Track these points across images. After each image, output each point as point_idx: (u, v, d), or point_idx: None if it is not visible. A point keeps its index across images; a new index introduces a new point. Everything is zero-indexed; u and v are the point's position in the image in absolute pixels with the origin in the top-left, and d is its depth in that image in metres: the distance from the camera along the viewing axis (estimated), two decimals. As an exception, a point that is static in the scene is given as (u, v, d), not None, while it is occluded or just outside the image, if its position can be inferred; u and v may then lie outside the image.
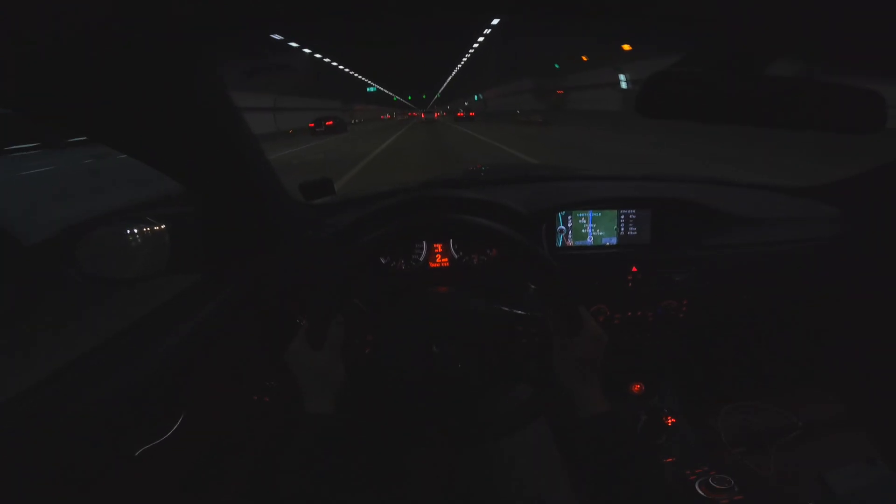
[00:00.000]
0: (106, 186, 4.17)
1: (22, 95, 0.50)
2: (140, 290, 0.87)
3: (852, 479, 1.06)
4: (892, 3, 0.41)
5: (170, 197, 0.82)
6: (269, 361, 0.98)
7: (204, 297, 0.87)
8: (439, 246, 1.10)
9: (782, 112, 0.64)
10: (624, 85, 19.10)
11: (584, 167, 1.73)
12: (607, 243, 1.16)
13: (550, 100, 30.07)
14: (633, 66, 17.87)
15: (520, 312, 0.86)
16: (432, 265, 1.10)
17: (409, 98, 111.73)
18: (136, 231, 0.85)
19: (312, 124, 23.88)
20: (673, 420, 1.07)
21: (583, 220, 1.15)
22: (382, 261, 1.08)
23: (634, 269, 1.11)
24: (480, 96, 61.00)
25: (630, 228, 1.16)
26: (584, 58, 21.54)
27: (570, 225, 1.15)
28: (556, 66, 26.17)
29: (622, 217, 1.16)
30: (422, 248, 1.10)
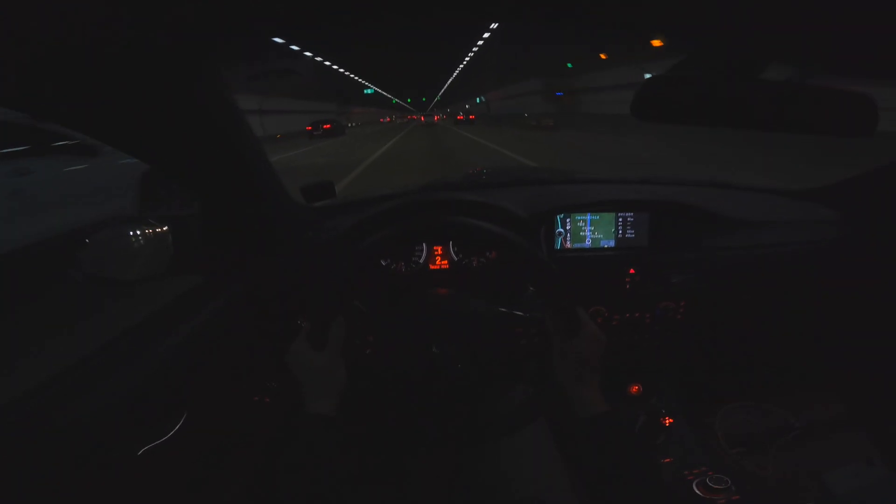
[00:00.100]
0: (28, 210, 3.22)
1: (23, 95, 0.50)
2: (142, 291, 0.87)
3: (851, 480, 1.07)
4: (883, 6, 0.41)
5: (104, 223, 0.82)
6: (270, 362, 0.99)
7: (206, 298, 0.88)
8: (439, 248, 1.11)
9: (775, 116, 0.65)
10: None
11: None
12: (605, 246, 1.17)
13: (561, 101, 27.98)
14: (663, 65, 16.31)
15: (519, 314, 0.86)
16: (432, 267, 1.11)
17: (409, 101, 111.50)
18: (138, 233, 0.86)
19: (310, 127, 23.62)
20: (671, 420, 1.08)
21: (581, 223, 1.16)
22: (383, 263, 1.09)
23: (632, 271, 1.11)
24: (482, 98, 58.90)
25: (628, 231, 1.17)
26: (603, 55, 19.88)
27: (568, 227, 1.16)
28: (569, 65, 24.07)
29: (620, 220, 1.17)
30: (422, 251, 1.10)
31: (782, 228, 1.25)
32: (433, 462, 1.05)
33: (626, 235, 1.17)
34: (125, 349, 0.71)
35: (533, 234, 1.12)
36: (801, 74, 0.64)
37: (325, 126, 23.75)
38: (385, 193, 1.28)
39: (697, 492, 0.90)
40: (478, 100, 62.68)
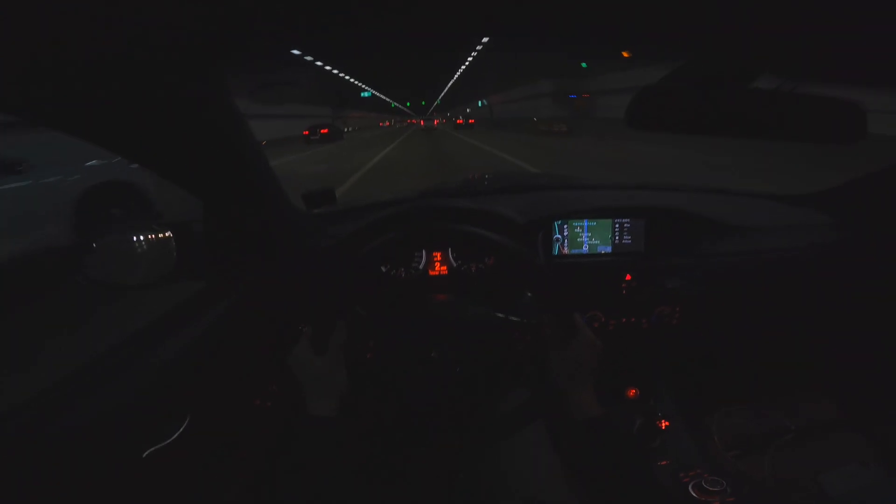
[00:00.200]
0: None
1: (27, 102, 0.51)
2: (146, 296, 0.89)
3: (847, 481, 1.07)
4: (873, 15, 0.42)
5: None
6: (273, 366, 1.00)
7: (208, 303, 0.89)
8: (438, 254, 1.12)
9: (766, 124, 0.66)
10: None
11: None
12: (602, 251, 1.19)
13: (575, 104, 25.40)
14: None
15: (516, 319, 0.88)
16: (431, 273, 1.12)
17: (408, 104, 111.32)
18: (141, 238, 0.87)
19: (307, 132, 23.25)
20: (667, 423, 1.09)
21: (578, 229, 1.18)
22: (383, 269, 1.10)
23: (629, 276, 1.13)
24: (485, 102, 56.78)
25: (625, 237, 1.19)
26: (626, 54, 18.40)
27: (566, 234, 1.17)
28: (584, 65, 21.83)
29: (617, 226, 1.18)
30: (421, 257, 1.12)
31: (777, 233, 1.26)
32: (432, 463, 1.06)
33: (623, 241, 1.19)
34: (130, 353, 0.72)
35: (531, 240, 1.13)
36: (792, 83, 0.66)
37: (322, 130, 23.53)
38: (385, 199, 1.30)
39: (693, 494, 0.91)
40: (479, 103, 60.52)
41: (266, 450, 0.99)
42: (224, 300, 0.90)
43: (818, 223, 1.29)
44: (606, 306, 1.13)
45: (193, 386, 0.78)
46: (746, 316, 1.23)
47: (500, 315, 0.89)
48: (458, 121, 40.47)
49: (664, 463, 1.03)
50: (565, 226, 1.17)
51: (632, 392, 1.21)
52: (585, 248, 1.18)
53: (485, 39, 20.45)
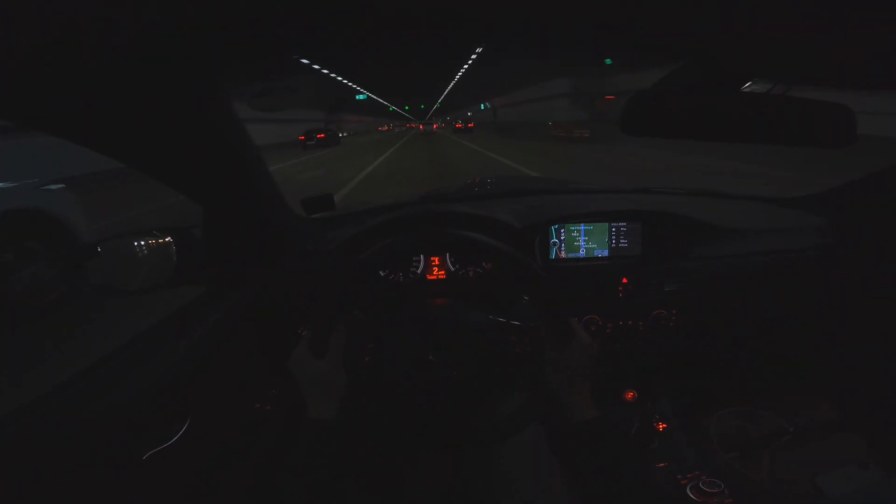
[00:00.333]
0: None
1: (25, 105, 0.51)
2: (146, 300, 0.89)
3: (845, 483, 1.07)
4: (864, 18, 0.43)
5: None
6: (272, 369, 1.01)
7: (209, 307, 0.89)
8: (436, 259, 1.13)
9: (757, 128, 0.67)
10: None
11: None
12: (599, 255, 1.20)
13: (597, 107, 21.30)
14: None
15: (513, 323, 0.89)
16: (430, 277, 1.13)
17: (407, 108, 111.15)
18: (142, 243, 0.88)
19: (303, 136, 22.70)
20: (664, 425, 1.09)
21: (575, 233, 1.19)
22: (382, 273, 1.11)
23: (625, 280, 1.14)
24: (488, 105, 53.83)
25: (621, 241, 1.20)
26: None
27: (563, 237, 1.18)
28: (608, 61, 18.12)
29: (613, 230, 1.19)
30: (419, 262, 1.13)
31: (773, 236, 1.27)
32: (431, 465, 1.07)
33: (620, 245, 1.20)
34: (131, 356, 0.72)
35: (528, 244, 1.14)
36: (784, 87, 0.67)
37: (318, 136, 23.02)
38: (383, 204, 1.31)
39: (691, 496, 0.91)
40: (482, 106, 57.17)
41: (266, 452, 0.99)
42: (224, 305, 0.91)
43: (814, 226, 1.30)
44: (603, 310, 1.14)
45: (194, 388, 0.79)
46: (743, 318, 1.24)
47: (498, 319, 0.90)
48: (457, 125, 40.53)
49: (662, 465, 1.03)
50: (562, 230, 1.18)
51: (629, 394, 1.22)
52: (582, 252, 1.19)
53: (478, 49, 19.47)
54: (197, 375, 0.80)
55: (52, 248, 3.01)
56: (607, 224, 1.19)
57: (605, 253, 1.20)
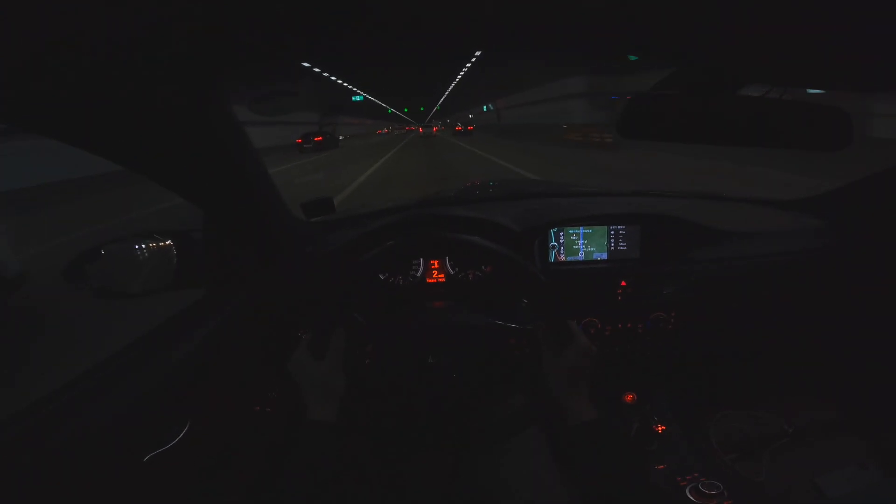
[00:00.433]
0: None
1: (25, 109, 0.51)
2: (147, 303, 0.90)
3: (844, 484, 1.08)
4: (860, 20, 0.43)
5: None
6: (272, 372, 1.01)
7: (209, 310, 0.90)
8: (436, 262, 1.13)
9: (754, 131, 0.68)
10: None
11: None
12: (598, 258, 1.20)
13: (616, 107, 20.10)
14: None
15: (512, 326, 0.89)
16: (429, 280, 1.13)
17: (406, 110, 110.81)
18: (143, 246, 0.88)
19: (300, 140, 22.31)
20: (663, 427, 1.10)
21: (574, 237, 1.19)
22: (381, 276, 1.11)
23: (624, 283, 1.14)
24: (490, 106, 52.11)
25: (620, 244, 1.20)
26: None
27: (562, 241, 1.19)
28: (632, 57, 17.31)
29: (612, 233, 1.20)
30: (419, 265, 1.13)
31: (770, 238, 1.28)
32: (430, 467, 1.07)
33: (619, 248, 1.20)
34: (132, 359, 0.73)
35: (527, 247, 1.14)
36: (780, 90, 0.67)
37: (316, 139, 22.56)
38: (383, 208, 1.31)
39: (690, 497, 0.92)
40: (485, 108, 54.92)
41: (266, 454, 1.00)
42: (224, 308, 0.91)
43: (812, 228, 1.31)
44: (602, 312, 1.14)
45: (194, 391, 0.79)
46: (741, 320, 1.24)
47: (497, 322, 0.90)
48: (457, 128, 40.61)
49: (661, 467, 1.03)
50: (561, 233, 1.18)
51: (629, 397, 1.22)
52: (581, 255, 1.19)
53: (477, 53, 19.37)
54: (197, 378, 0.80)
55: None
56: (606, 227, 1.19)
57: (604, 256, 1.20)
